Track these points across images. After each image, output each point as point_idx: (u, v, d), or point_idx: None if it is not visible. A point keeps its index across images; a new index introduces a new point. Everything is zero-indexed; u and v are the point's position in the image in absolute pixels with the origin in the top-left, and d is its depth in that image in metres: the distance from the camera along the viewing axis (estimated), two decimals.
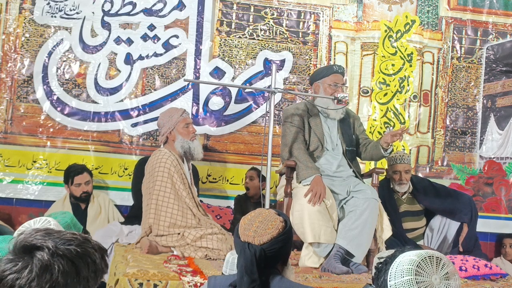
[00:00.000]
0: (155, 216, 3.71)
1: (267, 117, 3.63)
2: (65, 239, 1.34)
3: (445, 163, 5.31)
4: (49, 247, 1.30)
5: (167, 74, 4.99)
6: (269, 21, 5.14)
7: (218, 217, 4.70)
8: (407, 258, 1.81)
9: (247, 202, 4.70)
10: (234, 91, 5.04)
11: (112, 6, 4.93)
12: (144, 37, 4.96)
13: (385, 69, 5.27)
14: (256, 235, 1.92)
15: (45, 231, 1.35)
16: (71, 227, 2.86)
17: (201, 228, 3.73)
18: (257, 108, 5.07)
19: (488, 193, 5.35)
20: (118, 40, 4.93)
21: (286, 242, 1.96)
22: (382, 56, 5.27)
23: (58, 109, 4.81)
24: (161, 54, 4.98)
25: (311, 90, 4.17)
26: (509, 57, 5.43)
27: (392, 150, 3.96)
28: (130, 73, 4.93)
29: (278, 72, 4.84)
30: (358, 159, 4.11)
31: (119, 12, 4.94)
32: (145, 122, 4.93)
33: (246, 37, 5.11)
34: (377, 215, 3.70)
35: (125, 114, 4.91)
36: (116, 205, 4.73)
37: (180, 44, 5.01)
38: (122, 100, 4.91)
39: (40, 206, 4.66)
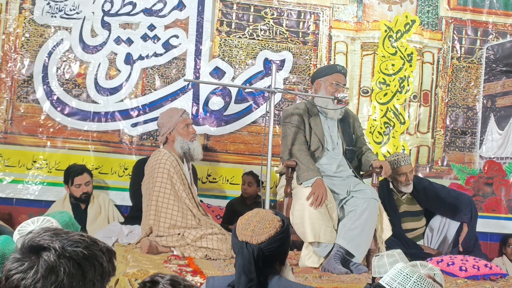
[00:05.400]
0: (155, 217, 3.71)
1: (267, 117, 3.63)
2: (73, 240, 1.32)
3: (445, 163, 5.31)
4: (56, 248, 1.29)
5: (167, 74, 4.99)
6: (269, 21, 5.14)
7: (218, 217, 4.70)
8: (396, 271, 1.92)
9: (243, 205, 4.66)
10: (234, 91, 5.04)
11: (112, 6, 4.93)
12: (144, 37, 4.96)
13: (385, 69, 5.27)
14: (253, 235, 1.92)
15: (53, 231, 1.34)
16: (69, 226, 2.86)
17: (201, 228, 3.73)
18: (257, 108, 5.07)
19: (488, 193, 5.35)
20: (118, 40, 4.93)
21: (284, 241, 1.97)
22: (382, 56, 5.27)
23: (58, 109, 4.81)
24: (161, 54, 4.98)
25: (311, 89, 4.17)
26: (509, 57, 5.43)
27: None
28: (130, 73, 4.94)
29: (278, 72, 4.83)
30: None
31: (119, 12, 4.94)
32: (145, 122, 4.93)
33: (246, 37, 5.11)
34: (377, 215, 3.69)
35: (125, 114, 4.91)
36: (116, 205, 4.73)
37: (180, 44, 5.01)
38: (122, 100, 4.91)
39: (40, 206, 4.66)
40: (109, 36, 4.92)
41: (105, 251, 1.38)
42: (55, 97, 4.81)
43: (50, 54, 4.82)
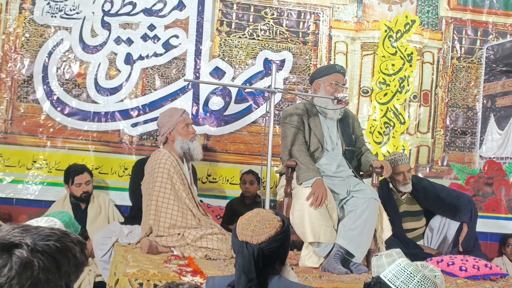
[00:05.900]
0: (155, 217, 3.71)
1: (267, 117, 3.64)
2: (44, 234, 1.32)
3: (445, 163, 5.31)
4: (28, 243, 1.28)
5: (167, 74, 4.99)
6: (269, 21, 5.14)
7: (218, 217, 4.70)
8: (399, 268, 1.84)
9: (243, 205, 4.66)
10: (234, 91, 5.04)
11: (112, 6, 4.93)
12: (144, 37, 4.96)
13: (385, 69, 5.27)
14: (254, 235, 1.93)
15: (22, 227, 1.33)
16: (69, 226, 2.87)
17: (201, 228, 3.73)
18: (257, 108, 5.07)
19: (488, 193, 5.35)
20: (118, 40, 4.93)
21: (284, 241, 1.97)
22: (382, 56, 5.27)
23: (58, 109, 4.81)
24: (161, 54, 4.98)
25: (310, 89, 4.17)
26: (509, 57, 5.43)
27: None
28: (130, 73, 4.94)
29: (278, 72, 4.84)
30: None
31: (119, 12, 4.94)
32: (145, 122, 4.93)
33: (246, 37, 5.11)
34: (377, 215, 3.69)
35: (125, 114, 4.91)
36: (116, 205, 4.73)
37: (180, 44, 5.01)
38: (122, 100, 4.91)
39: (40, 206, 4.66)
40: (109, 36, 4.92)
41: (77, 242, 1.37)
42: (55, 97, 4.81)
43: (50, 54, 4.82)
